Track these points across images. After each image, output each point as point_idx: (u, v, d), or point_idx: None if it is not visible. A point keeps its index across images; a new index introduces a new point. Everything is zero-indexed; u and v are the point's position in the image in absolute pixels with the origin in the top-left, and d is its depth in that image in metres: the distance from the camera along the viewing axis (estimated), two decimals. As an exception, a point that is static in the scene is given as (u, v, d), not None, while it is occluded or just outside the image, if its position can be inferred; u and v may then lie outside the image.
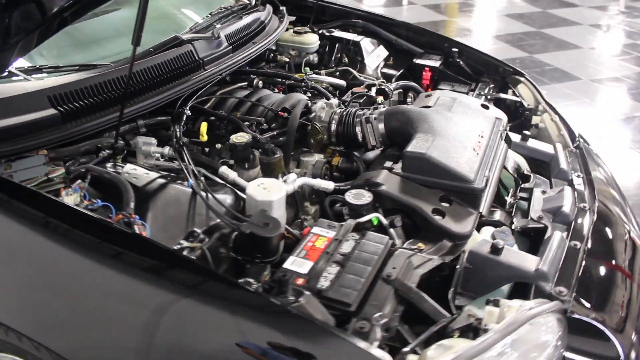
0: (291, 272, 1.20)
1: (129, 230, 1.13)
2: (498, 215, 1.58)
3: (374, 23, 2.54)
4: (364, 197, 1.42)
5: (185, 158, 1.48)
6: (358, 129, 1.70)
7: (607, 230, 1.60)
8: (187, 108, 1.69)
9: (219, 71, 1.85)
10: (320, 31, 2.44)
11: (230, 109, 1.82)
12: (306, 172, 1.64)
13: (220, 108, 1.83)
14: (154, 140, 1.58)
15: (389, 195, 1.43)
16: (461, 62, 2.35)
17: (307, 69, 2.21)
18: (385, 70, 2.36)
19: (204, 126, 1.61)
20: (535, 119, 2.10)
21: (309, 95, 1.99)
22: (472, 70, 2.36)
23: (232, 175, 1.51)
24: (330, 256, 1.23)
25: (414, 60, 2.38)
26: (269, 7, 2.42)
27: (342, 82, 2.15)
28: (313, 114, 1.76)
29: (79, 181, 1.29)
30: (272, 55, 2.29)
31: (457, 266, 1.33)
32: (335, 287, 1.17)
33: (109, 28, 1.93)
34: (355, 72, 2.21)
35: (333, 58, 2.35)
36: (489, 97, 2.17)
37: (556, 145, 1.89)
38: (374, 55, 2.40)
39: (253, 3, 2.29)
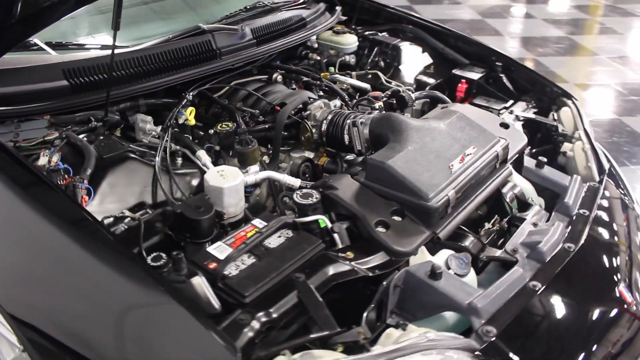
0: (209, 255, 1.25)
1: (63, 191, 1.24)
2: (468, 241, 1.47)
3: (425, 30, 2.46)
4: (311, 197, 1.41)
5: (165, 138, 1.59)
6: (346, 132, 1.69)
7: (588, 278, 1.41)
8: (190, 93, 1.80)
9: (235, 62, 1.94)
10: (365, 33, 2.43)
11: (240, 99, 1.90)
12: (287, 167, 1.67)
13: (233, 97, 1.92)
14: (149, 119, 1.71)
15: (337, 199, 1.40)
16: (504, 77, 2.20)
17: (332, 68, 2.21)
18: (422, 77, 2.28)
19: (188, 111, 1.71)
20: (565, 147, 1.90)
21: (321, 94, 2.00)
22: (517, 87, 2.19)
23: (205, 159, 1.59)
24: (249, 247, 1.25)
25: (453, 70, 2.27)
26: (319, 6, 2.46)
27: (366, 86, 2.12)
28: (308, 112, 1.77)
29: (57, 143, 1.45)
30: (304, 52, 2.32)
31: (384, 282, 1.27)
32: (239, 277, 1.19)
33: (148, 13, 2.12)
34: (382, 77, 2.17)
35: (370, 60, 2.32)
36: (520, 117, 2.00)
37: (575, 177, 1.69)
38: (414, 62, 2.33)
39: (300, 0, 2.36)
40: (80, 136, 1.53)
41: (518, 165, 1.78)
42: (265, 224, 1.35)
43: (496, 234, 1.57)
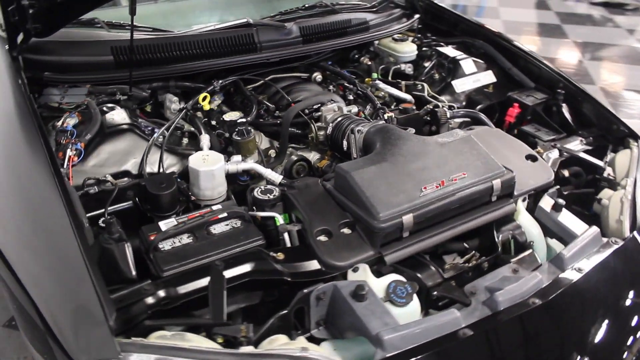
0: (156, 227, 1.34)
1: (49, 149, 1.41)
2: (426, 272, 1.37)
3: (497, 47, 2.27)
4: (269, 194, 1.42)
5: (176, 118, 1.72)
6: (345, 138, 1.66)
7: (538, 341, 1.22)
8: (218, 81, 1.91)
9: (272, 57, 2.00)
10: (429, 43, 2.33)
11: (271, 93, 1.97)
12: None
13: (266, 91, 1.99)
14: (175, 99, 1.86)
15: (292, 200, 1.40)
16: (565, 107, 1.95)
17: (375, 74, 2.16)
18: (475, 96, 2.12)
19: (201, 97, 1.81)
20: (603, 193, 1.64)
21: (351, 98, 1.98)
22: (580, 119, 1.94)
23: (204, 142, 1.68)
24: (188, 226, 1.31)
25: (509, 93, 2.07)
26: (394, 11, 2.42)
27: (407, 97, 2.04)
28: (319, 114, 1.77)
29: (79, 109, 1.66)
30: (356, 55, 2.30)
31: (304, 290, 1.24)
32: (168, 252, 1.26)
33: (212, 4, 2.28)
34: (426, 90, 2.07)
35: (425, 71, 2.22)
36: (564, 152, 1.77)
37: (592, 229, 1.46)
38: (472, 78, 2.17)
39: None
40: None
41: (534, 203, 1.59)
42: (221, 209, 1.40)
43: (471, 271, 1.43)
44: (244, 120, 1.71)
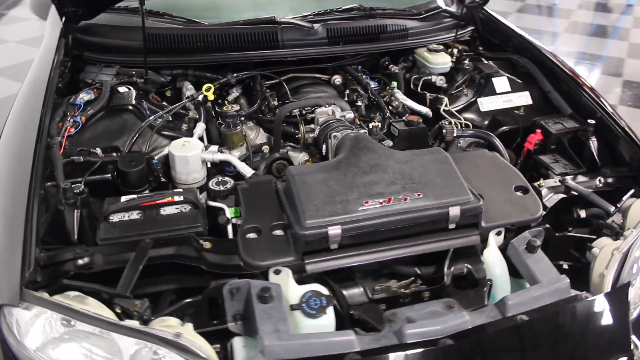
0: (116, 201, 1.45)
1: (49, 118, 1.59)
2: (352, 289, 1.32)
3: (542, 67, 2.07)
4: (223, 185, 1.47)
5: (175, 106, 1.83)
6: (325, 143, 1.64)
7: None
8: (233, 74, 1.98)
9: (291, 55, 2.03)
10: (466, 56, 2.19)
11: (284, 91, 2.01)
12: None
13: (281, 87, 2.04)
14: (190, 86, 1.97)
15: (238, 194, 1.42)
16: (593, 141, 1.73)
17: (395, 83, 2.08)
18: (500, 117, 1.96)
19: (204, 87, 1.89)
20: (598, 242, 1.44)
21: (359, 104, 1.94)
22: (612, 156, 1.71)
23: (198, 130, 1.77)
24: (137, 203, 1.41)
25: (536, 117, 1.89)
26: (445, 20, 2.31)
27: (422, 109, 1.96)
28: (312, 115, 1.77)
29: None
30: (386, 63, 2.23)
31: (212, 282, 1.27)
32: (113, 224, 1.36)
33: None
34: (444, 104, 1.95)
35: (456, 85, 2.10)
36: (571, 189, 1.58)
37: (555, 278, 1.30)
38: (502, 97, 2.01)
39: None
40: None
41: (510, 238, 1.44)
42: (179, 194, 1.48)
43: (408, 298, 1.35)
44: (234, 113, 1.77)
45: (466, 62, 2.16)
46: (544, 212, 1.49)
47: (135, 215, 1.40)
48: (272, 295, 1.22)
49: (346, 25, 2.12)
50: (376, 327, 1.23)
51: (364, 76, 2.12)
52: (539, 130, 1.84)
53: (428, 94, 2.07)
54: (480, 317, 1.22)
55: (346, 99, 2.02)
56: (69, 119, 1.65)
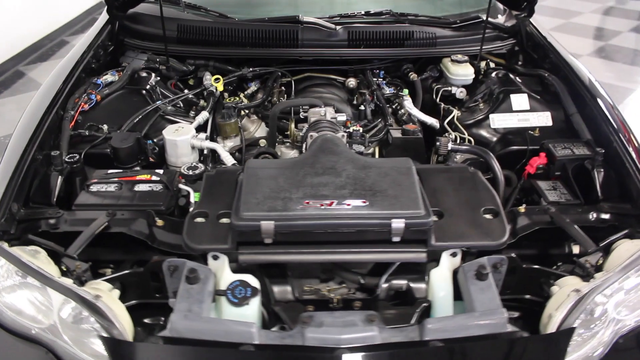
0: (102, 172, 1.60)
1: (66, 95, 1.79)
2: (283, 285, 1.34)
3: (572, 88, 1.90)
4: (192, 171, 1.55)
5: (183, 94, 1.95)
6: (305, 142, 1.67)
7: None
8: (249, 69, 2.07)
9: (307, 55, 2.06)
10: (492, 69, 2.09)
11: (299, 89, 2.06)
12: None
13: (301, 84, 2.10)
14: (209, 76, 2.08)
15: (203, 181, 1.49)
16: (598, 171, 1.57)
17: (406, 90, 2.02)
18: (510, 136, 1.85)
19: (213, 78, 1.98)
20: (563, 280, 1.33)
21: (362, 108, 1.93)
22: (622, 191, 1.54)
23: (200, 118, 1.87)
24: (115, 177, 1.55)
25: (544, 140, 1.75)
26: (477, 32, 2.21)
27: (431, 121, 1.90)
28: (305, 115, 1.80)
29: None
30: (406, 70, 2.17)
31: (155, 257, 1.36)
32: (91, 192, 1.51)
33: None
34: (451, 117, 1.87)
35: (473, 98, 2.00)
36: (555, 220, 1.45)
37: (498, 312, 1.21)
38: (518, 116, 1.89)
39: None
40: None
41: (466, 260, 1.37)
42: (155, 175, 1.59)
43: (338, 304, 1.34)
44: (231, 104, 1.85)
45: (493, 75, 2.06)
46: (513, 240, 1.40)
47: (112, 187, 1.53)
48: (198, 277, 1.28)
49: (368, 29, 2.11)
50: (289, 325, 1.23)
51: (380, 81, 2.10)
52: (543, 154, 1.70)
53: (442, 105, 2.00)
54: (397, 336, 1.18)
55: (355, 102, 2.02)
56: (84, 95, 1.83)
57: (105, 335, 1.16)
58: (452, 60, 2.08)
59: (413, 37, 2.13)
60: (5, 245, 1.30)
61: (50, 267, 1.29)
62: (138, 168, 1.70)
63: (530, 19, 2.26)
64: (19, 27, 4.96)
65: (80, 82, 1.91)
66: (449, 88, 2.06)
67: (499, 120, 1.88)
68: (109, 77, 1.97)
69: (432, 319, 1.20)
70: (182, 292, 1.26)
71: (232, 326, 1.17)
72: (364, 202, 1.32)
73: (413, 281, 1.36)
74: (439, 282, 1.34)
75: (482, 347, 1.16)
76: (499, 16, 2.34)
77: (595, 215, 1.47)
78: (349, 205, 1.31)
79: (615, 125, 1.67)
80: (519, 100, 1.91)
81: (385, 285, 1.34)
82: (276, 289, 1.35)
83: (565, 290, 1.27)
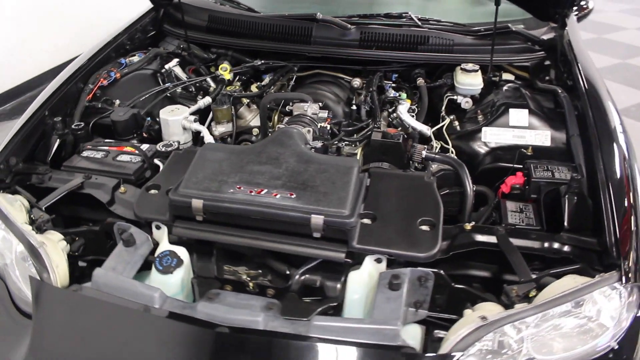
0: (98, 141, 1.80)
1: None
2: (208, 264, 1.42)
3: (581, 109, 1.75)
4: (166, 147, 1.69)
5: (191, 79, 2.10)
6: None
7: None
8: (260, 61, 2.16)
9: (315, 52, 2.11)
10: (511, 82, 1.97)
11: (306, 85, 2.12)
12: None
13: (308, 80, 2.16)
14: (224, 65, 2.21)
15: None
16: (570, 200, 1.44)
17: (404, 95, 1.98)
18: (500, 153, 1.75)
19: (221, 66, 2.09)
20: (481, 305, 1.27)
21: (354, 107, 1.94)
22: (594, 224, 1.40)
23: (202, 102, 2.01)
24: (105, 146, 1.73)
25: (528, 160, 1.63)
26: (501, 41, 2.11)
27: (420, 127, 1.85)
28: (291, 109, 1.86)
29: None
30: (416, 75, 2.11)
31: (109, 219, 1.50)
32: (80, 157, 1.71)
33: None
34: (441, 125, 1.81)
35: (473, 109, 1.92)
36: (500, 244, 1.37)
37: (389, 325, 1.19)
38: (513, 132, 1.77)
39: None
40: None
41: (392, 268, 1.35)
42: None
43: (254, 289, 1.39)
44: (226, 92, 1.95)
45: (505, 88, 1.95)
46: (444, 256, 1.35)
47: (100, 155, 1.72)
48: (132, 241, 1.40)
49: (382, 31, 2.10)
50: (195, 299, 1.31)
51: (386, 83, 2.09)
52: (520, 173, 1.60)
53: (442, 113, 1.94)
54: (285, 327, 1.21)
55: (354, 101, 2.03)
56: (104, 72, 2.05)
57: (36, 277, 1.33)
58: (462, 69, 2.00)
59: (428, 42, 2.08)
60: None
61: (20, 214, 1.49)
62: (135, 141, 1.87)
63: (568, 32, 2.10)
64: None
65: (110, 60, 2.13)
66: (455, 97, 1.99)
67: (492, 135, 1.79)
68: (135, 58, 2.18)
69: (321, 317, 1.21)
70: (116, 251, 1.39)
71: (140, 288, 1.28)
72: (291, 194, 1.36)
73: (328, 279, 1.36)
74: (355, 284, 1.34)
75: (361, 354, 1.15)
76: (543, 29, 2.20)
77: (547, 244, 1.36)
78: (276, 195, 1.36)
79: (608, 152, 1.52)
80: (518, 116, 1.79)
81: (299, 278, 1.37)
82: (200, 264, 1.43)
83: (474, 314, 1.21)
